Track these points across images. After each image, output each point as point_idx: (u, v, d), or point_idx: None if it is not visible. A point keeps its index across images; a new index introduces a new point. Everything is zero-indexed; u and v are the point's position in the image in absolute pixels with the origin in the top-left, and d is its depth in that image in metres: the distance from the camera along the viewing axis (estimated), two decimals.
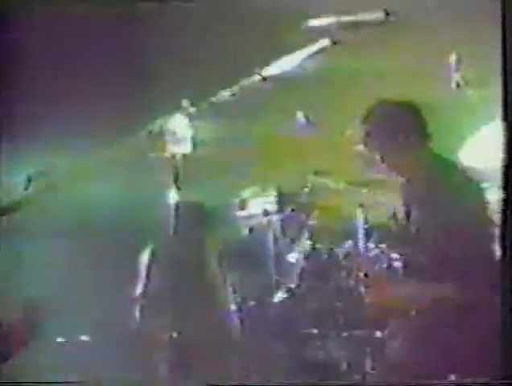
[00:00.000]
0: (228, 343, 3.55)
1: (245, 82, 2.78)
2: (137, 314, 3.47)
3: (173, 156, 3.09)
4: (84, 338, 3.41)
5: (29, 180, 3.24)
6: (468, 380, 3.03)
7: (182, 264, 3.39)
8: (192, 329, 3.35)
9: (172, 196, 3.33)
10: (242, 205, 3.83)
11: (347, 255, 3.56)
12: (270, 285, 3.72)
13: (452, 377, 3.16)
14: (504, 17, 2.85)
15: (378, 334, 3.42)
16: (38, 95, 3.67)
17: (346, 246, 3.58)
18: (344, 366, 3.45)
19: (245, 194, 3.81)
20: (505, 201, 2.85)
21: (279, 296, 3.66)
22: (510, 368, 2.77)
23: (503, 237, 2.86)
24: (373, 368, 3.40)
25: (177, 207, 3.29)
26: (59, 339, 3.41)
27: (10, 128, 3.56)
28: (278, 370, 3.53)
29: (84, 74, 3.67)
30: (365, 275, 3.48)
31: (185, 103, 2.83)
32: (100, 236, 3.53)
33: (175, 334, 2.85)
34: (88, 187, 3.54)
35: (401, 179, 3.43)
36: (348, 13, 2.62)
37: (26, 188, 3.29)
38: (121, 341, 3.42)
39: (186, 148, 3.00)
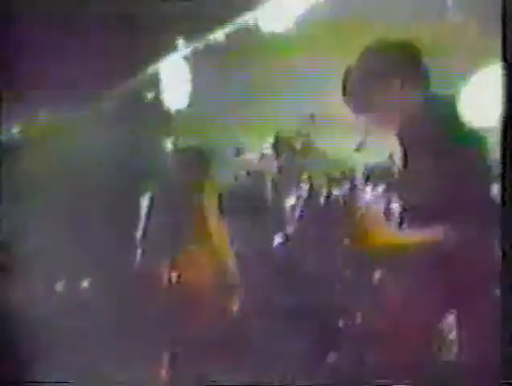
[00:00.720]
0: (226, 287, 3.57)
1: (241, 22, 2.76)
2: (137, 257, 3.49)
3: (169, 101, 3.09)
4: (85, 281, 3.43)
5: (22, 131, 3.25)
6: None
7: (181, 209, 3.41)
8: (190, 272, 3.37)
9: (170, 142, 3.34)
10: (240, 150, 3.83)
11: (345, 198, 3.58)
12: (268, 230, 3.73)
13: (451, 317, 3.19)
14: None
15: (376, 275, 3.45)
16: (35, 47, 3.64)
17: (344, 189, 3.59)
18: (342, 307, 3.48)
19: (243, 139, 3.81)
20: (504, 141, 2.85)
21: (277, 240, 3.68)
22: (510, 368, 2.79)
23: (503, 180, 2.87)
24: (370, 309, 3.43)
25: (175, 152, 3.29)
26: (61, 282, 3.44)
27: (9, 80, 3.54)
28: (276, 313, 3.57)
29: (75, 21, 3.63)
30: (363, 217, 3.49)
31: (180, 43, 2.81)
32: (101, 182, 3.53)
33: (174, 277, 2.87)
34: (88, 135, 3.55)
35: (398, 121, 3.42)
36: None
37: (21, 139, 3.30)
38: (121, 283, 3.44)
39: (182, 92, 3.00)
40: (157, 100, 3.31)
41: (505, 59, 2.86)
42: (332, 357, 3.43)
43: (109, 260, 3.46)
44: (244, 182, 3.78)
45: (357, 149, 3.55)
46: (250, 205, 3.73)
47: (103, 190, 3.54)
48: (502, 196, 2.90)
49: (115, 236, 3.50)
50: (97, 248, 3.47)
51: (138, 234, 3.48)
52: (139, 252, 3.47)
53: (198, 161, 3.64)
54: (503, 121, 2.85)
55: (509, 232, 2.91)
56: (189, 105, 3.51)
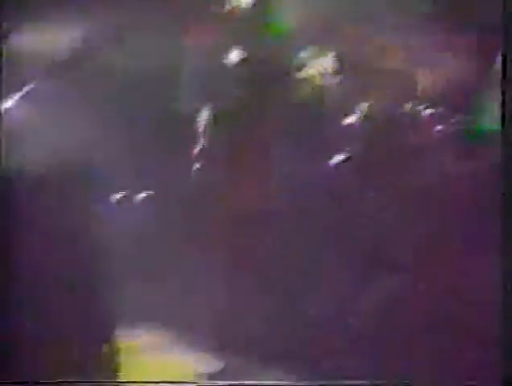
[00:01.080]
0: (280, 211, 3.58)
1: None
2: (193, 172, 3.53)
3: (234, 9, 3.06)
4: (146, 192, 3.48)
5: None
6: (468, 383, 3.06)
7: (241, 123, 3.41)
8: (248, 186, 3.41)
9: (233, 54, 3.31)
10: (300, 66, 3.78)
11: (405, 117, 3.54)
12: (326, 149, 3.71)
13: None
14: None
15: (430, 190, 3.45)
16: None
17: (405, 108, 3.54)
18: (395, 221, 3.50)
19: (303, 55, 3.76)
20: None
21: (336, 159, 3.66)
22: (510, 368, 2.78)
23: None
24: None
25: (239, 64, 3.27)
26: (122, 193, 3.49)
27: None
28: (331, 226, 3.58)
29: None
30: (424, 139, 3.48)
31: None
32: (159, 95, 3.52)
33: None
34: (141, 47, 3.51)
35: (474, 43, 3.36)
36: None
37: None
38: (181, 196, 3.50)
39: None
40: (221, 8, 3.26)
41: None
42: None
43: (166, 175, 3.50)
44: (305, 97, 3.74)
45: (421, 67, 3.49)
46: (310, 122, 3.70)
47: (159, 104, 3.53)
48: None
49: (172, 151, 3.52)
50: (154, 162, 3.50)
51: (196, 149, 3.50)
52: (197, 166, 3.49)
53: (260, 73, 3.61)
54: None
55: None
56: (250, 16, 3.46)
